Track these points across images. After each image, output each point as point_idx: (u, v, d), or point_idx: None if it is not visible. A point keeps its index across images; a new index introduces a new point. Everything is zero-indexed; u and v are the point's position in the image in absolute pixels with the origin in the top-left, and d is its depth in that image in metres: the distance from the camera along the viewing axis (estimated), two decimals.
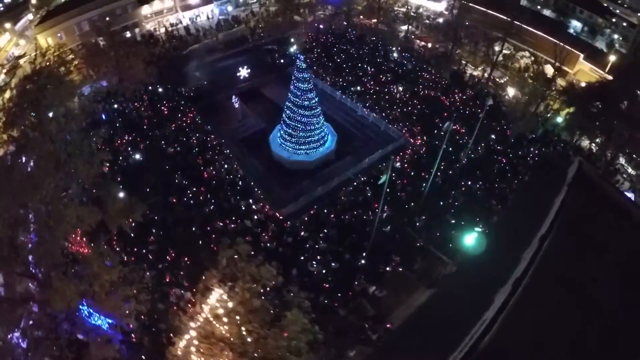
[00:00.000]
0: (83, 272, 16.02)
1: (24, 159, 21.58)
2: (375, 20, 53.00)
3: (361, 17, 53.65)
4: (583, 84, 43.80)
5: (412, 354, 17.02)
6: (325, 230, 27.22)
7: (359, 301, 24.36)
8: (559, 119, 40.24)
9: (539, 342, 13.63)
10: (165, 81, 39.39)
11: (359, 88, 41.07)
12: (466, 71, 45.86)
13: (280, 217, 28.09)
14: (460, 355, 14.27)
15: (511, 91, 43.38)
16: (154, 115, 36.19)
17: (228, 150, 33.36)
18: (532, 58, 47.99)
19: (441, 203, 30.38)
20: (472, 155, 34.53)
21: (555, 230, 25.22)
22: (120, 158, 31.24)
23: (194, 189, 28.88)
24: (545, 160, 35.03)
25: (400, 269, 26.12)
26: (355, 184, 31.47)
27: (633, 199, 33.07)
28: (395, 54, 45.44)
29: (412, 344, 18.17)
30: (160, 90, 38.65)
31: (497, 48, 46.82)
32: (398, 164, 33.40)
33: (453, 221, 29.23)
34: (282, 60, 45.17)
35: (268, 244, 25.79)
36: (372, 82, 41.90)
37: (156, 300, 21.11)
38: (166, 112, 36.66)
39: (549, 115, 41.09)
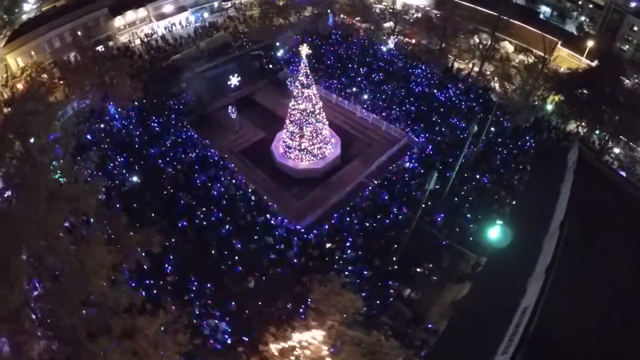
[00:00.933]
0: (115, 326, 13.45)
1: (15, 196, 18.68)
2: (358, 19, 51.80)
3: (342, 16, 52.21)
4: (562, 70, 44.49)
5: (462, 350, 16.12)
6: (351, 239, 25.67)
7: (396, 306, 23.32)
8: (549, 106, 40.32)
9: (582, 326, 15.00)
10: (152, 95, 36.37)
11: (354, 89, 39.54)
12: (454, 65, 45.28)
13: (302, 230, 26.18)
14: (510, 344, 15.38)
15: (500, 83, 43.13)
16: (145, 133, 33.24)
17: (233, 165, 30.91)
18: (512, 49, 48.33)
19: (455, 199, 29.63)
20: (475, 149, 33.91)
21: (572, 215, 24.97)
22: (117, 182, 28.22)
23: (204, 209, 26.44)
24: (544, 148, 35.17)
25: (429, 268, 25.25)
26: (370, 188, 30.00)
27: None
28: (385, 52, 44.20)
29: (458, 340, 17.51)
30: (148, 105, 35.57)
31: (477, 40, 46.87)
32: (408, 163, 32.30)
33: (469, 215, 28.64)
34: (270, 66, 43.02)
35: (295, 260, 23.90)
36: (365, 82, 40.62)
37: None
38: (158, 128, 33.76)
39: (536, 103, 41.21)
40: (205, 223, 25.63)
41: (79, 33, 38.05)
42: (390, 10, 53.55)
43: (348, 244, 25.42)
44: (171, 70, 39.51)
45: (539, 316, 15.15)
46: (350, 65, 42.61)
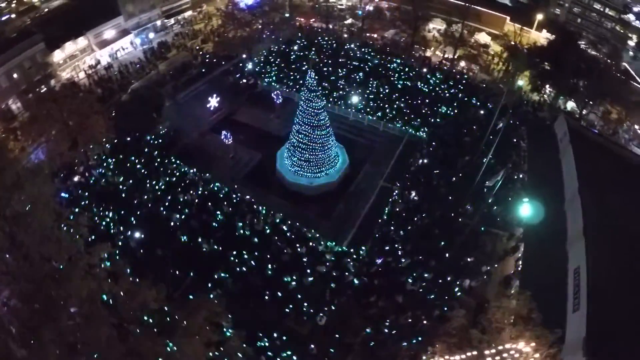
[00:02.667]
0: None
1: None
2: (313, 20, 49.34)
3: (298, 18, 49.37)
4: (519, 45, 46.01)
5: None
6: (400, 246, 23.94)
7: (461, 299, 21.91)
8: (520, 82, 41.12)
9: (626, 271, 18.58)
10: (123, 132, 30.85)
11: (340, 93, 37.17)
12: (427, 55, 44.71)
13: (351, 250, 23.65)
14: (577, 302, 18.23)
15: (467, 66, 43.40)
16: (129, 177, 27.99)
17: (249, 197, 27.09)
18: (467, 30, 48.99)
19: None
20: (473, 135, 33.47)
21: (582, 179, 25.66)
22: (118, 244, 23.18)
23: (236, 253, 22.64)
24: (531, 123, 35.72)
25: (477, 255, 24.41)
26: (395, 192, 28.14)
27: None
28: (356, 51, 42.26)
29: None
30: (121, 145, 30.15)
31: (432, 25, 47.00)
32: (421, 160, 30.86)
33: (490, 200, 27.56)
34: (244, 80, 39.05)
35: (355, 280, 21.64)
36: (347, 84, 38.38)
37: None
38: (143, 170, 28.67)
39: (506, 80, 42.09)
40: (244, 268, 21.86)
41: (15, 76, 31.38)
42: (343, 7, 52.05)
43: (399, 252, 23.58)
44: (137, 101, 34.14)
45: (592, 272, 18.27)
46: (325, 69, 40.08)
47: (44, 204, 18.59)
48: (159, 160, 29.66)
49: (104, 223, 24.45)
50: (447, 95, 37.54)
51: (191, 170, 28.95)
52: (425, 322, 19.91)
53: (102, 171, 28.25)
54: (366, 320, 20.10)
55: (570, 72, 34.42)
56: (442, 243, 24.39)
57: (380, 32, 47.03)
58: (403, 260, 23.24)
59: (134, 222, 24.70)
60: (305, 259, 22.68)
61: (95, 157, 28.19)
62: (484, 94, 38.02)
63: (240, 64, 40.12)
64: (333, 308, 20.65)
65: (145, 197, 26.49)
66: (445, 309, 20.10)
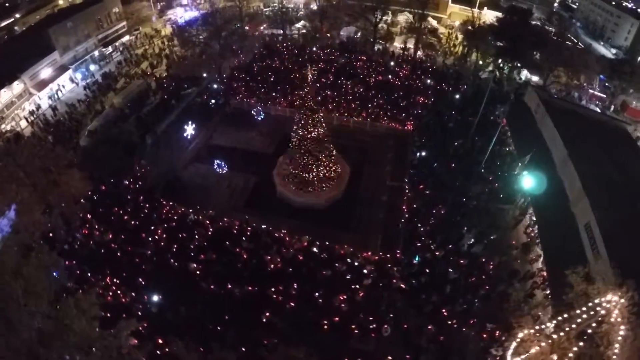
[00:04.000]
0: None
1: None
2: (264, 27, 46.93)
3: (249, 27, 46.60)
4: (457, 23, 47.62)
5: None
6: (430, 241, 23.85)
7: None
8: (480, 62, 42.35)
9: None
10: (96, 182, 26.53)
11: (319, 98, 35.38)
12: (388, 47, 44.40)
13: (388, 256, 22.94)
14: (596, 252, 20.54)
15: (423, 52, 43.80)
16: (120, 232, 24.12)
17: (265, 226, 24.61)
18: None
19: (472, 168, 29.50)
20: (454, 120, 33.79)
21: (569, 145, 27.43)
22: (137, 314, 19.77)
23: (275, 289, 20.52)
24: (506, 99, 36.77)
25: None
26: (406, 188, 27.77)
27: None
28: (319, 52, 40.77)
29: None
30: (99, 197, 26.02)
31: (386, 18, 46.91)
32: (418, 154, 30.50)
33: (491, 178, 29.07)
34: (212, 100, 35.80)
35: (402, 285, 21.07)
36: (320, 87, 36.73)
37: None
38: (132, 221, 24.94)
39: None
40: (292, 304, 19.82)
41: None
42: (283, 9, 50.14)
43: (432, 246, 23.34)
44: (102, 144, 29.74)
45: (602, 223, 20.78)
46: (292, 75, 38.07)
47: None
48: (147, 205, 26.01)
49: (110, 294, 20.79)
50: (420, 84, 37.57)
51: (190, 210, 25.71)
52: (477, 303, 20.36)
53: (86, 233, 24.07)
54: (426, 318, 19.76)
55: (529, 46, 35.95)
56: (465, 228, 24.74)
57: (335, 31, 45.83)
58: (437, 253, 23.03)
59: (144, 283, 21.36)
60: (348, 276, 21.27)
61: (75, 217, 23.85)
62: (453, 79, 38.63)
63: (207, 85, 36.70)
64: (391, 316, 19.76)
65: (148, 251, 23.04)
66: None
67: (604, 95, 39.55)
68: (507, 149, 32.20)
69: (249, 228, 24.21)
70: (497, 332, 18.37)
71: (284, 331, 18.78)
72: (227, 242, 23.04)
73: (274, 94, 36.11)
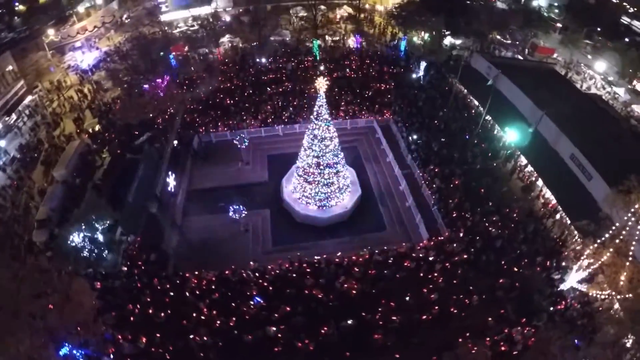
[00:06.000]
0: None
1: None
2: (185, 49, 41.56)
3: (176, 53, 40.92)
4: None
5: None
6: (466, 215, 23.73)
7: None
8: (415, 40, 43.29)
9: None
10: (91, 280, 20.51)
11: (291, 110, 32.78)
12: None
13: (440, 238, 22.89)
14: (588, 176, 23.31)
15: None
16: (153, 331, 18.91)
17: (318, 256, 21.74)
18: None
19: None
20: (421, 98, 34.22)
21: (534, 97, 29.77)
22: None
23: (376, 310, 18.56)
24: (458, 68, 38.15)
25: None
26: (420, 174, 27.55)
27: None
28: (261, 63, 37.64)
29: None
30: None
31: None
32: (410, 137, 30.08)
33: (476, 141, 29.81)
34: (175, 142, 30.53)
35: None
36: (281, 97, 34.10)
37: None
38: (162, 312, 19.67)
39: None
40: (394, 317, 18.23)
41: None
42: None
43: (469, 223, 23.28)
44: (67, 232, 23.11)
45: (584, 150, 23.80)
46: (256, 92, 34.48)
47: None
48: (168, 287, 20.68)
49: None
50: (374, 73, 37.08)
51: (226, 270, 21.35)
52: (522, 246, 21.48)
53: (113, 352, 18.28)
54: (494, 275, 20.21)
55: (465, 16, 37.83)
56: (482, 190, 25.22)
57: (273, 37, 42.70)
58: (473, 218, 23.24)
59: None
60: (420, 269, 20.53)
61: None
62: (402, 60, 38.88)
63: (155, 125, 30.95)
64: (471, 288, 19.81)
65: (204, 337, 18.42)
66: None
67: (518, 42, 43.82)
68: (473, 112, 33.58)
69: (304, 264, 21.25)
70: (547, 261, 20.39)
71: (399, 347, 17.23)
72: (290, 290, 19.79)
73: (241, 116, 32.31)
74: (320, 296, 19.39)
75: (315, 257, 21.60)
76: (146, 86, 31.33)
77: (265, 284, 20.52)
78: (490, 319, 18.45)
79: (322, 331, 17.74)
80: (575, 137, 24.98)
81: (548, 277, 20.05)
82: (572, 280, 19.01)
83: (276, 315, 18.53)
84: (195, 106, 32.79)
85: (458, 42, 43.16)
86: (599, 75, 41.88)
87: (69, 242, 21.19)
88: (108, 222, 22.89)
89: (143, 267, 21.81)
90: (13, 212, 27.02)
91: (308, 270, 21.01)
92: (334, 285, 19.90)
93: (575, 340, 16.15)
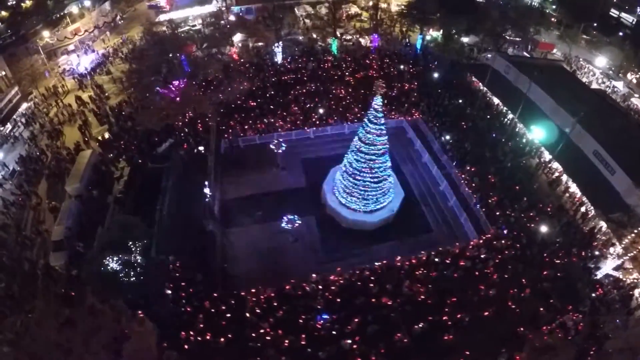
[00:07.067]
0: None
1: None
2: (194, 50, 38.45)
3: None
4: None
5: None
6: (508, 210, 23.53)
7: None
8: (429, 37, 41.96)
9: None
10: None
11: (321, 112, 30.60)
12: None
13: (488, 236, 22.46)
14: (610, 168, 23.80)
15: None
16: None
17: (378, 263, 20.06)
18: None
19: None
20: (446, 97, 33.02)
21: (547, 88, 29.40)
22: None
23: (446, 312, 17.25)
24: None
25: None
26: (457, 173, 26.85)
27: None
28: (278, 63, 35.28)
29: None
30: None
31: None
32: (443, 137, 28.91)
33: (503, 139, 29.02)
34: (200, 148, 27.53)
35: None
36: (313, 98, 31.89)
37: None
38: (222, 337, 17.12)
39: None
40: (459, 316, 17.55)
41: None
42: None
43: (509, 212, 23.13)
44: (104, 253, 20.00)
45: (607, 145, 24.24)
46: (269, 94, 32.02)
47: None
48: (224, 308, 18.24)
49: None
50: (395, 72, 35.51)
51: (287, 285, 18.94)
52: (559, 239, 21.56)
53: None
54: (539, 268, 20.20)
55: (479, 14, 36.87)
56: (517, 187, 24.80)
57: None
58: (513, 214, 22.99)
59: None
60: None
61: None
62: (420, 59, 37.52)
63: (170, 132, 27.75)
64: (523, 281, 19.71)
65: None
66: None
67: (520, 39, 43.53)
68: (495, 110, 32.60)
69: (367, 272, 19.56)
70: (582, 252, 20.92)
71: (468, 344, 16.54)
72: (357, 300, 18.13)
73: (269, 119, 29.78)
74: (389, 303, 18.20)
75: (376, 263, 20.27)
76: (164, 90, 28.23)
77: (331, 296, 18.74)
78: (542, 309, 18.43)
79: (398, 336, 16.81)
80: (596, 133, 25.13)
81: (585, 267, 20.41)
82: (608, 267, 20.04)
83: (349, 327, 17.03)
84: (223, 109, 29.94)
85: (466, 39, 42.36)
86: (598, 69, 42.19)
87: (105, 268, 18.10)
88: (144, 241, 19.89)
89: (190, 289, 19.02)
90: (21, 233, 23.46)
91: (372, 277, 19.64)
92: (400, 291, 19.06)
93: (617, 320, 17.45)
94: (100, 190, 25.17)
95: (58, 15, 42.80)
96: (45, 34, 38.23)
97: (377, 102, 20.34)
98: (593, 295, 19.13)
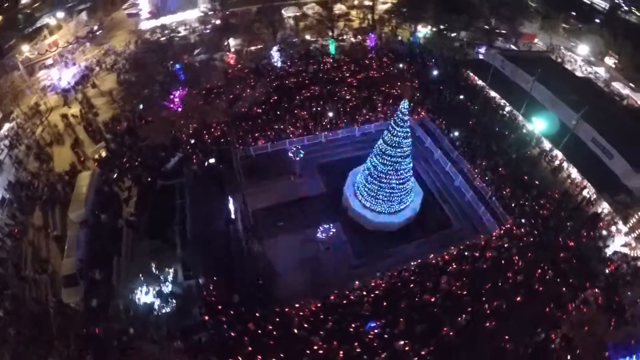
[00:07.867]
0: None
1: None
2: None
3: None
4: None
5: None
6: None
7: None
8: (420, 35, 41.65)
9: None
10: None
11: (331, 116, 29.44)
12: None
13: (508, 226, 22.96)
14: (607, 151, 24.60)
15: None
16: None
17: (414, 262, 19.98)
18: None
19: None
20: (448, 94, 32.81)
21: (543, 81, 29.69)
22: None
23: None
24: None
25: None
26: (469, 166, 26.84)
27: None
28: (277, 67, 33.87)
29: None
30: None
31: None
32: (452, 134, 28.88)
33: (506, 132, 29.10)
34: (211, 160, 25.75)
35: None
36: (318, 102, 30.70)
37: None
38: (258, 357, 16.01)
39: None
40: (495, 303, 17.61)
41: None
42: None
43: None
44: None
45: (601, 132, 25.06)
46: (273, 99, 30.53)
47: None
48: (271, 327, 16.94)
49: None
50: (395, 71, 34.92)
51: (331, 296, 17.98)
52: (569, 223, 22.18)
53: None
54: (558, 251, 20.53)
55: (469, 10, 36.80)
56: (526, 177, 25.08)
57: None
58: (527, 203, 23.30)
59: None
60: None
61: None
62: (420, 56, 37.08)
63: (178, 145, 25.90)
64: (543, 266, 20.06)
65: None
66: None
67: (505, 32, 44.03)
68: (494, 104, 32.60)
69: (406, 273, 19.45)
70: (590, 232, 21.52)
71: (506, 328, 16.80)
72: (401, 303, 17.73)
73: (279, 126, 28.40)
74: (432, 300, 18.15)
75: (412, 263, 20.26)
76: (164, 101, 26.25)
77: (376, 301, 18.35)
78: (563, 288, 18.95)
79: (444, 330, 16.75)
80: (592, 121, 25.79)
81: (595, 246, 21.19)
82: (616, 245, 20.83)
83: (397, 331, 16.77)
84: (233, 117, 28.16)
85: (454, 34, 42.42)
86: (580, 57, 43.37)
87: (137, 302, 16.32)
88: (173, 267, 18.16)
89: (231, 312, 17.53)
90: (23, 270, 20.99)
91: (411, 277, 19.65)
92: (439, 287, 18.99)
93: (629, 293, 18.20)
94: (108, 214, 22.97)
95: (31, 30, 39.24)
96: (25, 47, 34.84)
97: (405, 105, 19.82)
98: (607, 271, 19.89)
